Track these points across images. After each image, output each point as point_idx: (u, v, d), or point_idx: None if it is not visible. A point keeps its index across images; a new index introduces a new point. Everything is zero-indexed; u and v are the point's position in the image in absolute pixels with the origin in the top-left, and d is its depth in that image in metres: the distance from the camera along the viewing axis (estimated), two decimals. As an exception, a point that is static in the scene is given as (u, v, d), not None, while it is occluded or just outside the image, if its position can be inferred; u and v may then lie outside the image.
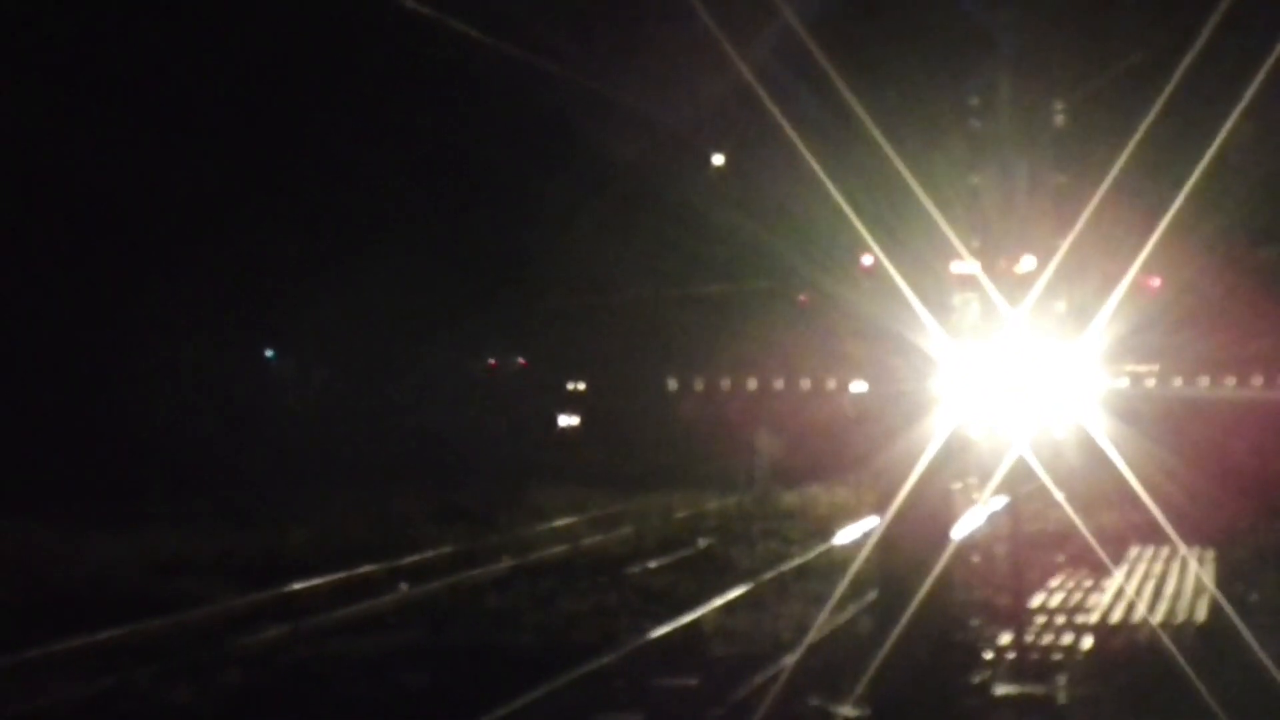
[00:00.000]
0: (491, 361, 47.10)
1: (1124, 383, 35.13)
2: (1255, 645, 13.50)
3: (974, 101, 8.66)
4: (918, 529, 8.46)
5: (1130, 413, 26.33)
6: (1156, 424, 26.20)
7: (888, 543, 8.72)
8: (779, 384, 43.93)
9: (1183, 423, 26.85)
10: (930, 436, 8.51)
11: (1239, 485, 22.94)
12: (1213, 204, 23.86)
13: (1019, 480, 14.66)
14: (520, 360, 47.26)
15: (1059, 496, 18.66)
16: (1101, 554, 17.84)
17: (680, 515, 29.69)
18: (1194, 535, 19.14)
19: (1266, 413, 28.21)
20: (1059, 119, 15.79)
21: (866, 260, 8.78)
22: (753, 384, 44.36)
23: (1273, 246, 29.09)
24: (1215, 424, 26.97)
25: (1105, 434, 20.55)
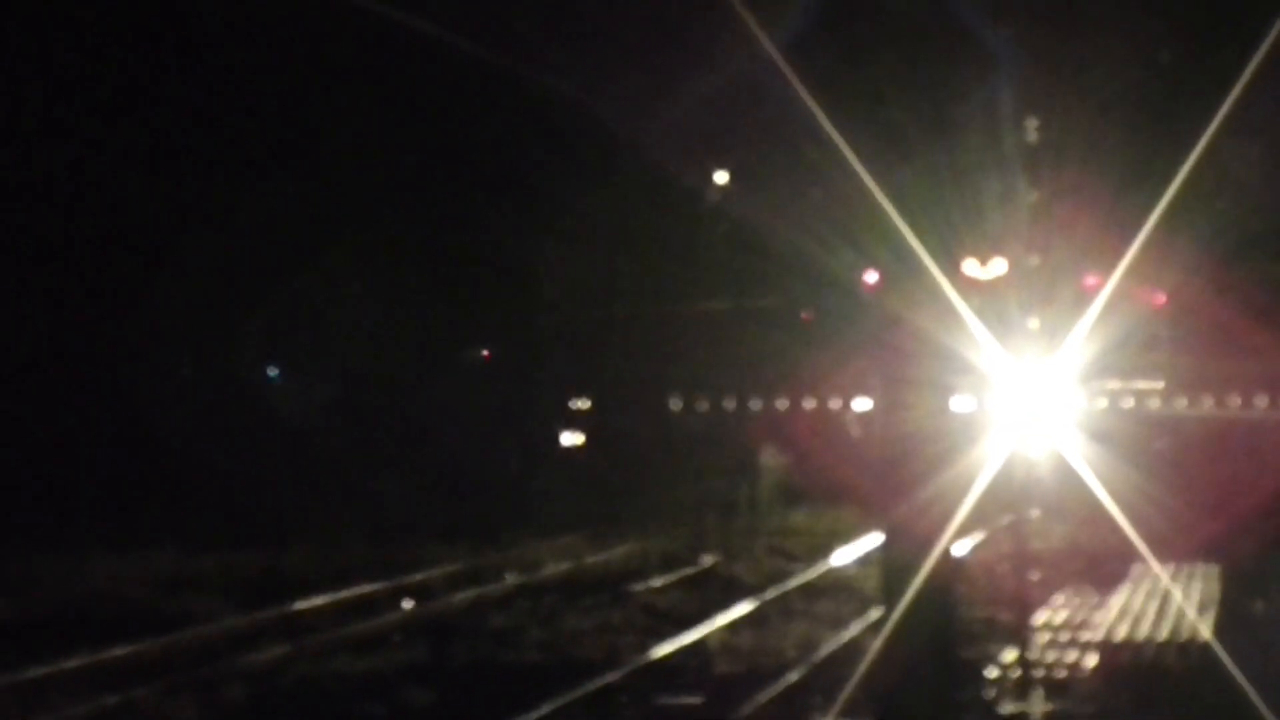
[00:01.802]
0: (485, 353, 46.84)
1: (1128, 401, 35.15)
2: (1260, 661, 13.49)
3: (973, 116, 8.66)
4: (921, 547, 8.45)
5: (1129, 430, 26.35)
6: (1156, 441, 26.22)
7: (891, 560, 8.70)
8: (782, 403, 43.93)
9: (1184, 441, 26.84)
10: (936, 453, 8.51)
11: (1237, 502, 22.94)
12: (1221, 220, 23.92)
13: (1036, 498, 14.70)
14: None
15: (1033, 514, 18.69)
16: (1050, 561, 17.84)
17: (684, 532, 29.66)
18: (1196, 552, 19.13)
19: (1266, 431, 28.20)
20: (1038, 135, 15.82)
21: (870, 278, 8.78)
22: (756, 403, 44.35)
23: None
24: (1217, 442, 26.94)
25: (1102, 452, 20.59)
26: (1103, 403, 31.06)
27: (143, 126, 31.92)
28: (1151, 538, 17.80)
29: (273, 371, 44.80)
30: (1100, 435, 23.90)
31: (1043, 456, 22.33)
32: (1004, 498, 14.99)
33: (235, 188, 34.59)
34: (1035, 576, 17.68)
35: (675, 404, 44.98)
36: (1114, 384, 33.09)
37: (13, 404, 32.91)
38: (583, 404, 45.44)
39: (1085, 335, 17.05)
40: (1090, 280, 18.93)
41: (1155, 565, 17.59)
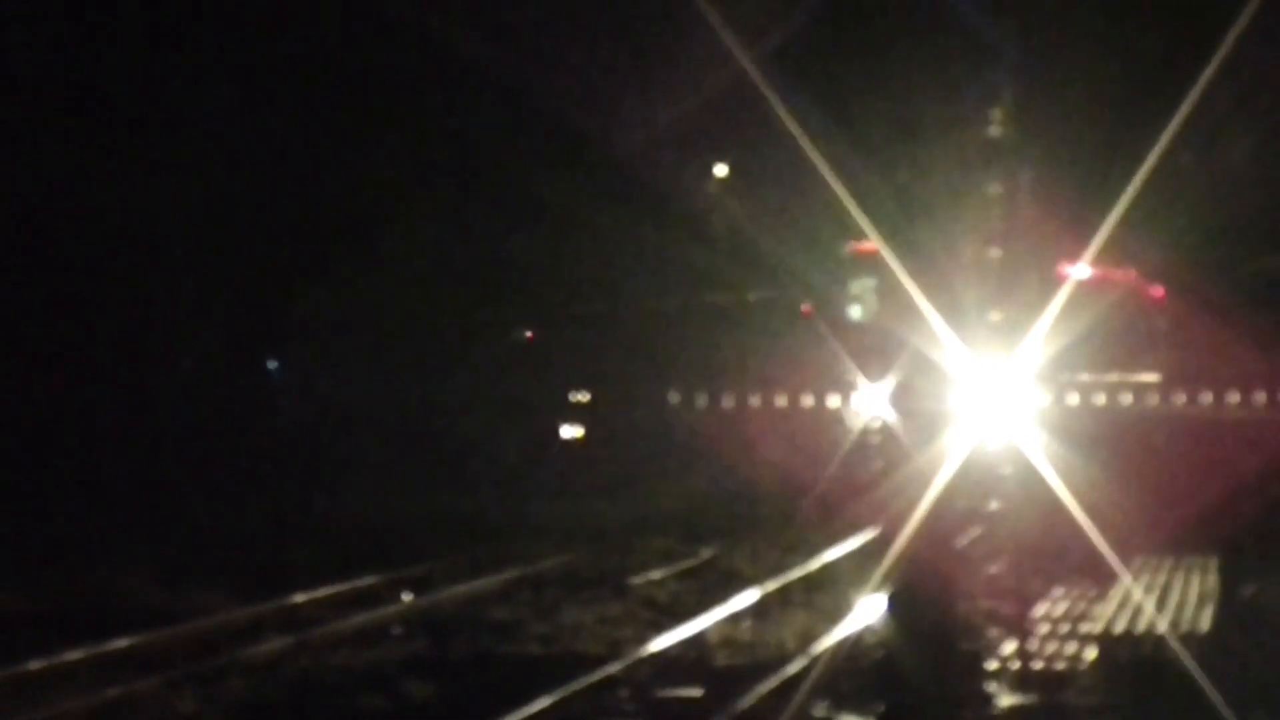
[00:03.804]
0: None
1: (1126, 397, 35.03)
2: (1260, 654, 13.51)
3: (975, 110, 8.66)
4: (922, 539, 8.48)
5: (1125, 427, 26.32)
6: (1151, 437, 26.19)
7: (892, 553, 8.74)
8: (781, 397, 43.88)
9: (1184, 436, 26.81)
10: (939, 446, 8.53)
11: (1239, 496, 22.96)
12: (1216, 212, 23.90)
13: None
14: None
15: (993, 505, 18.71)
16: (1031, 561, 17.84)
17: (684, 526, 29.68)
18: (1200, 545, 19.16)
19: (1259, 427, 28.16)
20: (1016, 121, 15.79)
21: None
22: (755, 398, 44.32)
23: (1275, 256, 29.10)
24: (1214, 438, 26.91)
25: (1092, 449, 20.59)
26: (1100, 398, 31.08)
27: (145, 119, 31.91)
28: (1145, 532, 17.82)
29: (272, 364, 44.78)
30: (1092, 433, 23.87)
31: (1031, 451, 22.35)
32: (997, 491, 15.01)
33: (231, 180, 34.59)
34: (1035, 569, 17.72)
35: (674, 398, 44.99)
36: (1108, 378, 33.11)
37: (12, 397, 32.91)
38: (582, 397, 45.45)
39: (1084, 327, 17.03)
40: (1070, 269, 18.94)
41: (1131, 564, 17.62)
